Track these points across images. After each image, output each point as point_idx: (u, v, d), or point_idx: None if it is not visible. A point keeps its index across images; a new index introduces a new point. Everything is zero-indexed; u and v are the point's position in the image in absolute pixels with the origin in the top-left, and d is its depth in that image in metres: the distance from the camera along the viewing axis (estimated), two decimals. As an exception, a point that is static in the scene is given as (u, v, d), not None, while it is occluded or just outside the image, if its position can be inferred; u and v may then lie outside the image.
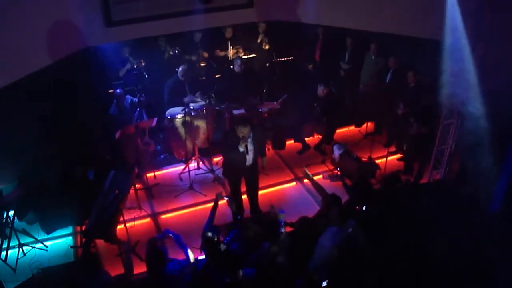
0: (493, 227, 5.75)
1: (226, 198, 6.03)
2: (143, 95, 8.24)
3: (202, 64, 9.68)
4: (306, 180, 8.05)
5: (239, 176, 6.93)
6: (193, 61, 9.41)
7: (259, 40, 9.87)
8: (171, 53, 9.22)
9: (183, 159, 8.58)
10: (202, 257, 5.25)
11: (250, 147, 6.46)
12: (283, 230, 5.22)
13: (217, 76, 9.86)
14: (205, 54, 9.61)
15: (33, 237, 6.79)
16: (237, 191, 7.01)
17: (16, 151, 7.00)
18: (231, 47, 9.61)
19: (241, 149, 6.37)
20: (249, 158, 6.54)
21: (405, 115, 7.92)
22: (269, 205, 5.73)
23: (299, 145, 9.08)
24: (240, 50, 9.82)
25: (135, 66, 8.57)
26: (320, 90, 8.63)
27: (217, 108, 8.57)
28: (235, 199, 6.85)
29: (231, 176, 6.98)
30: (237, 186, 6.99)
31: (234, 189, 7.01)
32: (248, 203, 7.15)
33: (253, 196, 7.12)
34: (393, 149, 8.63)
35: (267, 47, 9.91)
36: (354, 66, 9.45)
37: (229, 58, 9.71)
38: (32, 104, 7.27)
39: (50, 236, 6.97)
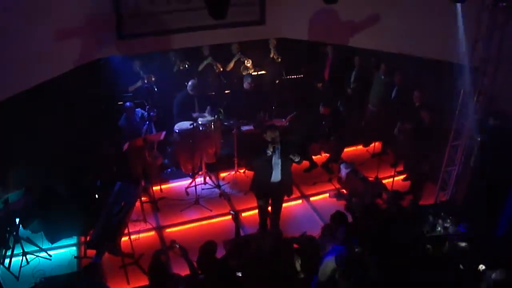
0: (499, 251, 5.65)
1: (232, 213, 6.06)
2: (154, 109, 8.30)
3: (212, 81, 9.74)
4: (312, 198, 8.09)
5: (266, 193, 6.78)
6: (203, 75, 9.46)
7: (271, 55, 9.93)
8: (181, 67, 9.29)
9: (190, 174, 8.59)
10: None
11: (277, 160, 6.33)
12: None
13: (226, 92, 9.91)
14: (219, 65, 9.65)
15: (37, 245, 6.80)
16: (262, 208, 6.92)
17: (23, 159, 7.04)
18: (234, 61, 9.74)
19: (269, 152, 6.21)
20: (276, 173, 6.43)
21: (408, 134, 7.90)
22: None
23: (306, 163, 9.03)
24: (246, 62, 9.86)
25: (145, 81, 8.62)
26: (321, 109, 8.68)
27: (225, 123, 8.60)
28: (260, 216, 6.95)
29: (257, 191, 6.85)
30: (263, 202, 6.87)
31: (259, 205, 6.92)
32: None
33: (274, 217, 7.01)
34: (400, 169, 8.59)
35: (279, 60, 9.97)
36: (361, 85, 9.47)
37: (229, 69, 9.79)
38: (40, 113, 7.36)
39: (54, 245, 6.97)
